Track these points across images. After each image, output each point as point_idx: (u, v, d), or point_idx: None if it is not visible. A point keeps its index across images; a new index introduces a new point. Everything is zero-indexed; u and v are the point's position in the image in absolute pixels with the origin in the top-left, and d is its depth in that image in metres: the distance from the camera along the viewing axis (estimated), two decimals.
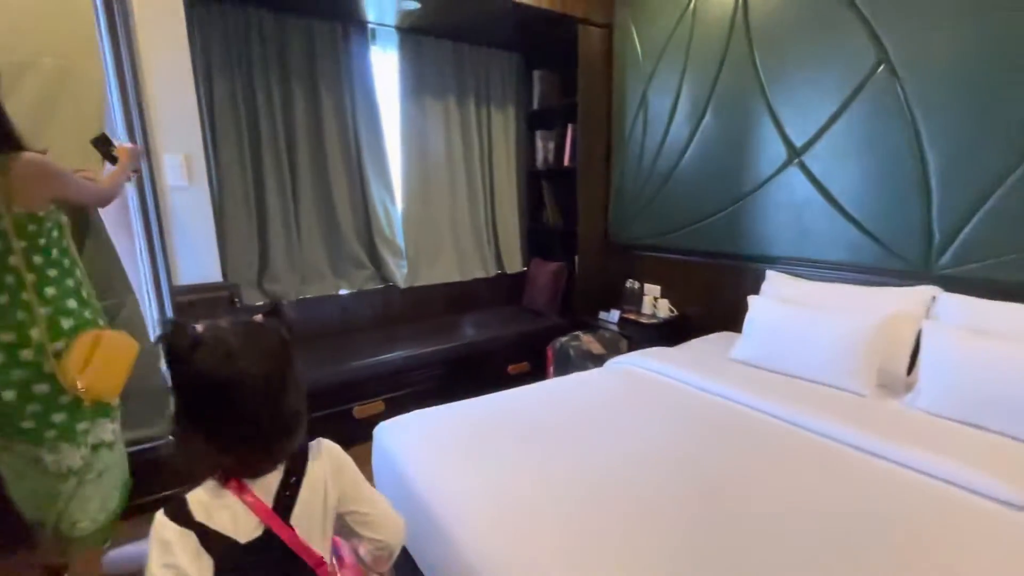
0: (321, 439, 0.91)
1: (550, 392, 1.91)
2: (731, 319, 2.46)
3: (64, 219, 1.38)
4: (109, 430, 1.46)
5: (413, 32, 2.97)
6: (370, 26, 2.85)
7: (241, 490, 0.79)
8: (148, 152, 1.88)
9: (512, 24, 2.95)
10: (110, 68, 1.78)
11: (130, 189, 1.91)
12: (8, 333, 1.25)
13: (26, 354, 1.27)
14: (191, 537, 0.75)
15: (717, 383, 1.85)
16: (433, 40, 3.06)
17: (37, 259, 1.28)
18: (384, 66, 2.97)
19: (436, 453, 1.46)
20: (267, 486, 0.82)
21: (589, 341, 2.59)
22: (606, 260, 3.19)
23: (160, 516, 0.76)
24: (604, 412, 1.70)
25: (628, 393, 1.87)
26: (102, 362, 1.32)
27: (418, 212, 3.19)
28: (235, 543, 0.77)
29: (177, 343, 0.76)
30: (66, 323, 1.32)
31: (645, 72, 2.83)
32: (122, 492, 1.52)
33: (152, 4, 1.83)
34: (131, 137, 1.85)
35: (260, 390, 0.77)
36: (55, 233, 1.33)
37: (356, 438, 2.53)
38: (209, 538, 0.75)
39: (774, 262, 2.37)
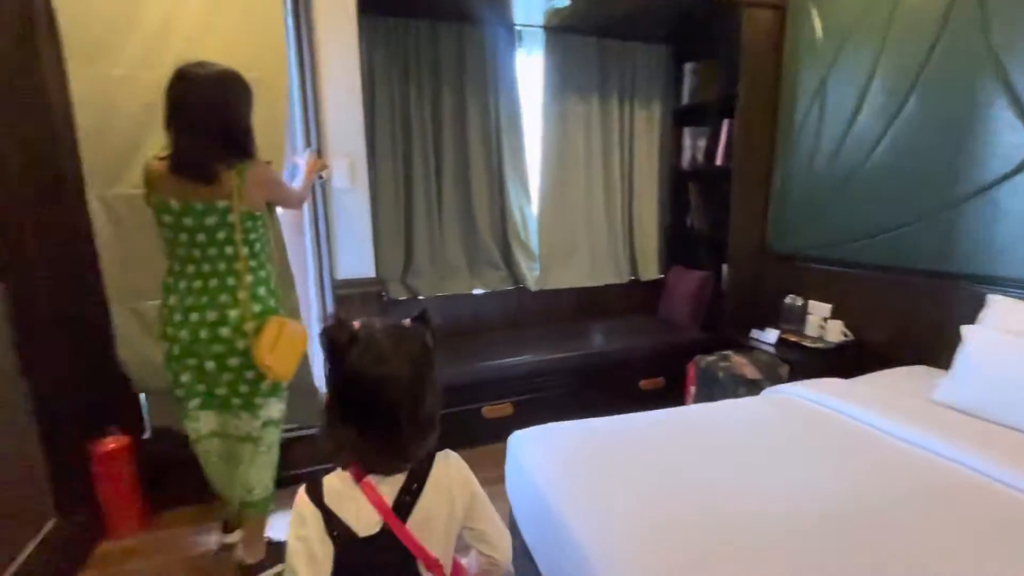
0: (449, 451, 0.93)
1: (699, 418, 1.70)
2: (929, 351, 2.01)
3: (269, 219, 1.58)
4: (277, 409, 1.62)
5: (559, 31, 2.92)
6: (517, 28, 2.85)
7: (367, 486, 0.83)
8: (320, 156, 2.06)
9: (665, 15, 2.75)
10: (295, 79, 1.97)
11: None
12: (214, 311, 1.45)
13: (225, 331, 1.46)
14: (319, 518, 0.81)
15: (918, 430, 1.49)
16: (578, 38, 2.97)
17: (245, 250, 1.47)
18: (527, 68, 2.96)
19: (575, 472, 1.36)
20: (391, 486, 0.85)
21: (741, 363, 2.30)
22: (762, 271, 2.82)
23: (301, 491, 0.83)
24: (764, 449, 1.46)
25: (794, 430, 1.59)
26: (285, 346, 1.49)
27: (553, 214, 3.13)
28: (354, 535, 0.81)
29: (337, 338, 0.81)
30: (256, 308, 1.49)
31: (825, 56, 2.44)
32: (278, 466, 1.69)
33: (331, 18, 2.01)
34: (307, 142, 2.04)
35: (404, 392, 0.81)
36: (262, 230, 1.52)
37: (484, 438, 2.58)
38: (332, 524, 0.81)
39: (1000, 284, 1.87)
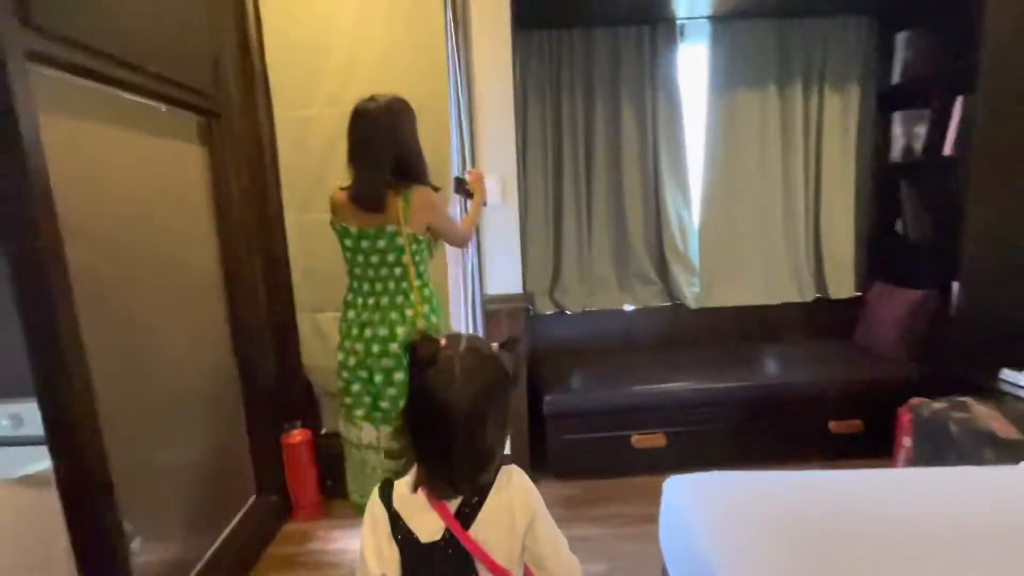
0: (514, 467, 0.90)
1: (926, 488, 1.29)
2: None
3: (433, 241, 1.64)
4: None
5: (728, 19, 2.60)
6: (679, 22, 2.61)
7: (431, 493, 0.84)
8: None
9: None
10: (452, 103, 2.05)
11: (458, 207, 2.16)
12: (385, 328, 1.54)
13: (394, 347, 1.54)
14: (387, 521, 0.85)
15: None
16: (751, 23, 2.61)
17: (412, 271, 1.55)
18: (688, 63, 2.70)
19: (749, 540, 1.12)
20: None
21: (987, 415, 1.73)
22: (1016, 292, 2.12)
23: (375, 491, 0.88)
24: None
25: None
26: None
27: (718, 223, 2.79)
28: (416, 540, 0.83)
29: (421, 354, 0.84)
30: (420, 324, 1.56)
31: None
32: None
33: (487, 39, 2.05)
34: (463, 163, 2.09)
35: (460, 424, 0.80)
36: (425, 252, 1.59)
37: (632, 468, 2.38)
38: (397, 527, 0.84)
39: None
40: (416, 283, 1.55)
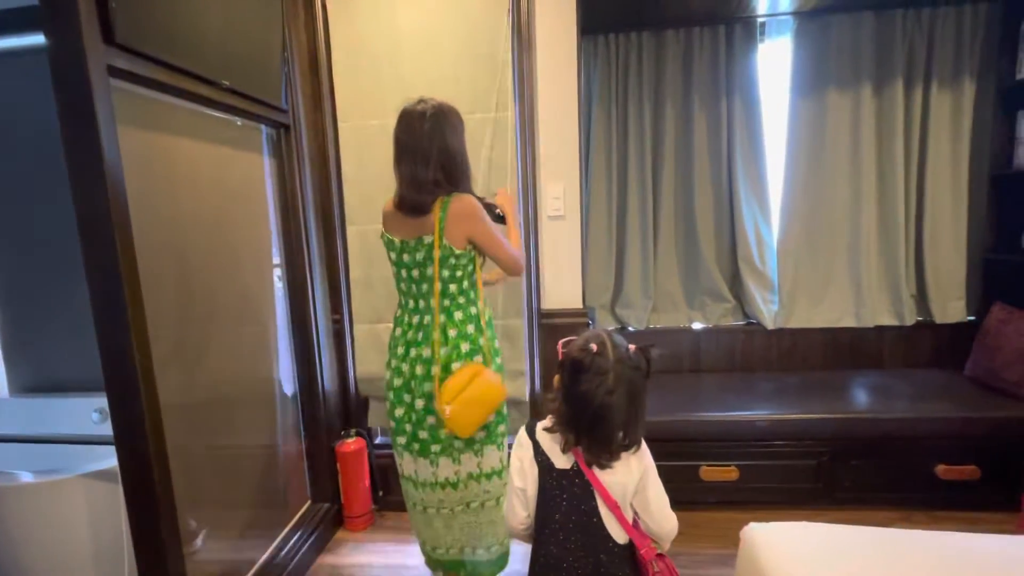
0: None
1: None
2: None
3: (478, 257, 1.48)
4: (487, 462, 1.51)
5: (816, 14, 2.38)
6: (759, 20, 2.42)
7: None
8: (535, 184, 2.04)
9: None
10: (516, 113, 2.00)
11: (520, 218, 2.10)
12: (426, 348, 1.43)
13: (435, 370, 1.42)
14: (530, 447, 1.09)
15: None
16: (845, 16, 2.37)
17: (452, 287, 1.44)
18: (768, 63, 2.49)
19: None
20: None
21: None
22: None
23: (523, 427, 1.13)
24: None
25: None
26: (471, 397, 1.38)
27: (801, 236, 2.55)
28: (552, 464, 1.06)
29: (581, 362, 0.99)
30: (465, 347, 1.43)
31: None
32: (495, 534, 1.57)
33: (552, 45, 1.99)
34: (524, 174, 2.03)
35: (620, 423, 0.99)
36: (470, 267, 1.45)
37: (700, 501, 2.17)
38: (538, 452, 1.08)
39: None
40: (460, 300, 1.43)
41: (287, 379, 2.00)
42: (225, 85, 1.53)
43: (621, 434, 1.00)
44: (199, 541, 1.48)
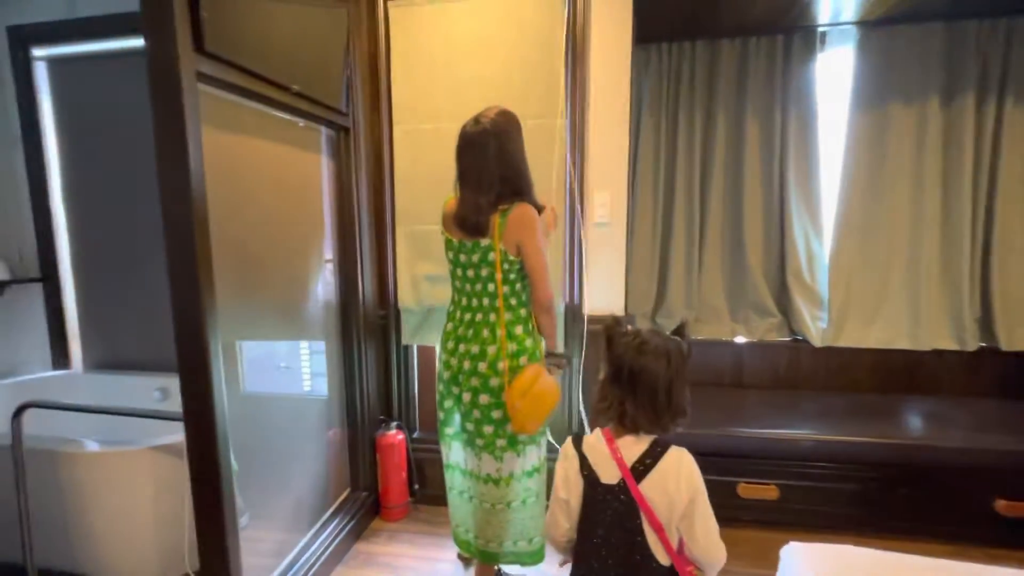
0: (684, 449, 1.06)
1: None
2: None
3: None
4: (528, 461, 1.55)
5: (880, 24, 2.30)
6: (820, 30, 2.36)
7: (614, 446, 1.05)
8: (581, 190, 2.05)
9: None
10: (568, 120, 2.02)
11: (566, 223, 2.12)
12: (476, 345, 1.49)
13: (482, 366, 1.48)
14: (576, 460, 1.08)
15: None
16: (912, 27, 2.28)
17: (505, 288, 1.49)
18: (828, 75, 2.42)
19: None
20: (631, 453, 1.04)
21: None
22: None
23: (569, 439, 1.13)
24: None
25: None
26: (535, 396, 1.43)
27: (855, 251, 2.46)
28: (597, 478, 1.05)
29: (612, 331, 1.08)
30: (511, 347, 1.48)
31: None
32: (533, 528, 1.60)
33: (605, 53, 2.00)
34: (573, 176, 2.05)
35: (659, 380, 1.02)
36: (523, 271, 1.49)
37: (737, 519, 2.13)
38: (584, 466, 1.07)
39: None
40: (511, 301, 1.48)
41: (334, 369, 2.09)
42: (295, 89, 1.62)
43: (664, 398, 1.01)
44: (244, 520, 1.57)
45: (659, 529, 1.00)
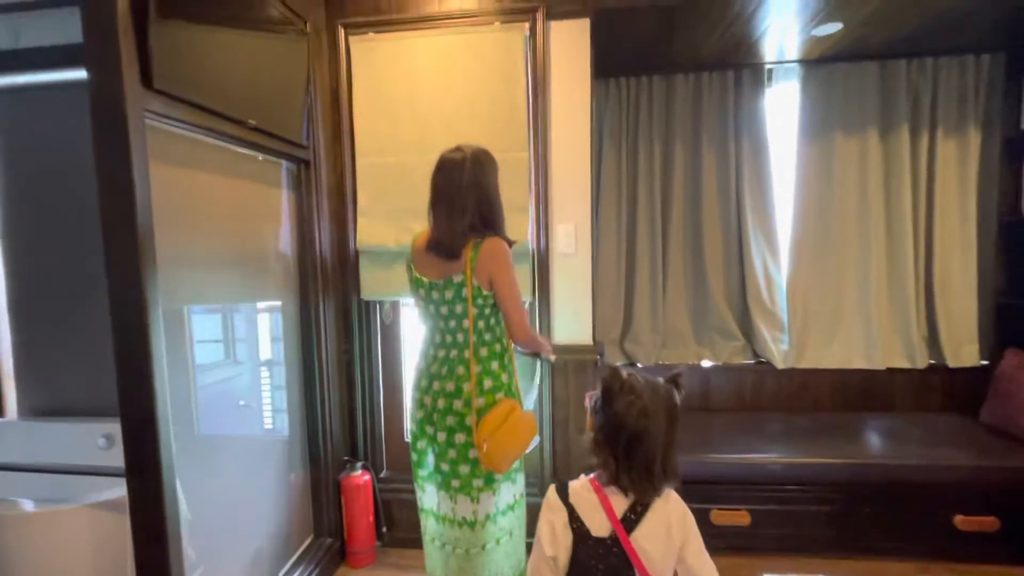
0: (671, 490, 1.05)
1: None
2: None
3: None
4: (503, 501, 1.50)
5: (821, 62, 2.45)
6: (767, 67, 2.50)
7: (604, 497, 1.02)
8: (546, 222, 2.07)
9: (1001, 15, 2.04)
10: (531, 153, 2.05)
11: (524, 255, 2.12)
12: (450, 382, 1.44)
13: (458, 404, 1.43)
14: (564, 512, 1.03)
15: None
16: (849, 66, 2.45)
17: (480, 323, 1.46)
18: (777, 107, 2.56)
19: None
20: (619, 503, 1.02)
21: None
22: None
23: (552, 488, 1.07)
24: None
25: None
26: (506, 433, 1.40)
27: (810, 276, 2.56)
28: (588, 532, 1.00)
29: (611, 385, 1.03)
30: (487, 383, 1.44)
31: None
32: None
33: (565, 87, 2.04)
34: (536, 209, 2.06)
35: (658, 443, 1.00)
36: (495, 305, 1.46)
37: (710, 546, 2.07)
38: (573, 518, 1.02)
39: None
40: (486, 336, 1.45)
41: (293, 409, 2.00)
42: (251, 124, 1.59)
43: (660, 462, 0.99)
44: (197, 574, 1.46)
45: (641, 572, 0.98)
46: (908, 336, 2.49)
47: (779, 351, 2.56)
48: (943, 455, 2.04)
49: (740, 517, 2.05)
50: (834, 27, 2.10)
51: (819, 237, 2.54)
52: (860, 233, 2.51)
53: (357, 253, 2.18)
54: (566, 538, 1.01)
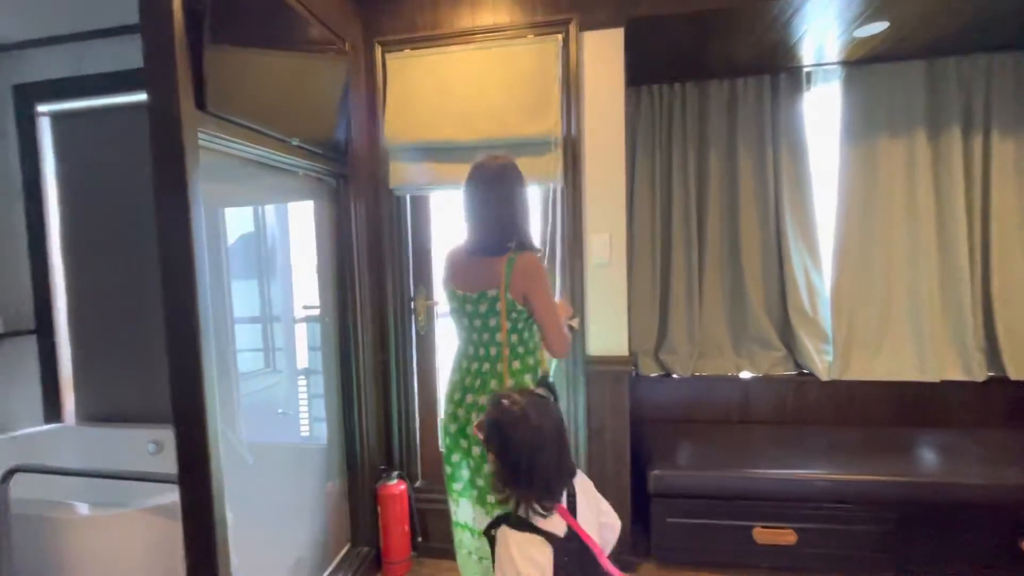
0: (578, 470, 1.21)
1: None
2: None
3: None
4: None
5: (864, 63, 2.38)
6: (805, 70, 2.44)
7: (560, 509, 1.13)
8: (581, 232, 2.06)
9: None
10: (564, 162, 2.04)
11: (560, 268, 2.12)
12: (483, 395, 1.45)
13: None
14: (533, 534, 1.07)
15: None
16: (894, 66, 2.36)
17: (513, 337, 1.47)
18: (817, 110, 2.49)
19: None
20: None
21: None
22: None
23: (505, 528, 1.10)
24: None
25: None
26: None
27: (855, 284, 2.46)
28: (555, 535, 1.08)
29: (506, 424, 1.10)
30: None
31: None
32: None
33: (599, 94, 2.04)
34: (570, 222, 2.05)
35: (555, 459, 1.11)
36: (530, 320, 1.48)
37: (754, 565, 2.04)
38: (542, 532, 1.08)
39: None
40: (519, 349, 1.46)
41: (332, 417, 2.04)
42: (294, 143, 1.64)
43: (558, 473, 1.10)
44: None
45: (600, 554, 1.11)
46: (964, 346, 2.36)
47: (823, 362, 2.46)
48: (1007, 473, 1.92)
49: (785, 536, 1.98)
50: (880, 26, 2.03)
51: (864, 243, 2.45)
52: (908, 239, 2.40)
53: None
54: (548, 556, 1.07)
